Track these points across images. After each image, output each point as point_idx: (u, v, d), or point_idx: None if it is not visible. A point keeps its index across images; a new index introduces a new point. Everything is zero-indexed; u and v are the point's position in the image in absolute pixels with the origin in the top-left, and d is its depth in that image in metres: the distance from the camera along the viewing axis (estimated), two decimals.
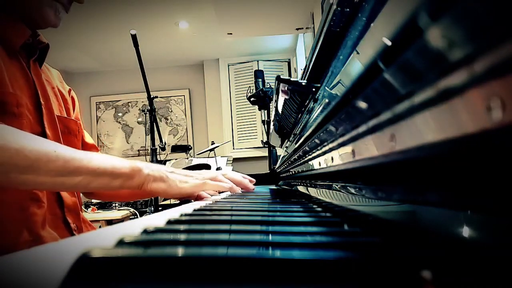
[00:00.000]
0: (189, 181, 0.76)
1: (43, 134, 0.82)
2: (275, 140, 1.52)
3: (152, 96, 2.41)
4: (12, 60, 0.78)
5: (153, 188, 0.71)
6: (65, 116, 0.93)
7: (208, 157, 2.99)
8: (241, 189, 0.98)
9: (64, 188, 0.72)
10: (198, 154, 3.18)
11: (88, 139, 1.07)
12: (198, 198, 0.86)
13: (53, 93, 0.90)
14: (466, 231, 0.18)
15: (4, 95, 0.72)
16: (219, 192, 0.91)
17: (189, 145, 3.45)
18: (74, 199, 0.91)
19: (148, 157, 2.70)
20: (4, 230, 0.73)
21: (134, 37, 2.08)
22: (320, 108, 0.47)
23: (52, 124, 0.85)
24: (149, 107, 2.45)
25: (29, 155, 0.58)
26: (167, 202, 3.21)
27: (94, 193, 1.03)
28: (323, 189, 0.55)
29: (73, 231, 0.86)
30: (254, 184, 1.03)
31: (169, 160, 3.21)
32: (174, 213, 0.48)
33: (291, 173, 1.04)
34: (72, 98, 1.03)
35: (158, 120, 3.18)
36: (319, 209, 0.51)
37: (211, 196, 0.90)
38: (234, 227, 0.34)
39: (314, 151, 0.54)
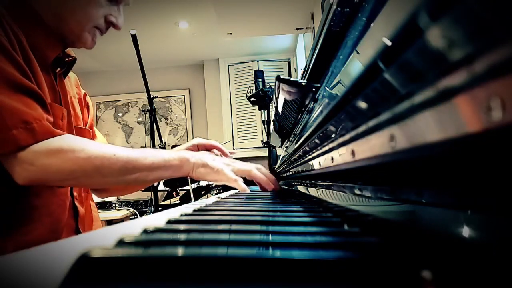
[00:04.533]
0: (224, 170, 0.83)
1: None
2: (275, 140, 1.52)
3: (152, 96, 2.41)
4: (43, 73, 0.80)
5: (197, 173, 0.80)
6: (81, 126, 0.96)
7: None
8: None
9: (126, 183, 0.80)
10: None
11: (97, 132, 1.10)
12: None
13: (70, 103, 0.92)
14: (466, 231, 0.18)
15: (54, 108, 0.76)
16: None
17: None
18: (84, 210, 0.93)
19: None
20: (34, 234, 0.75)
21: (134, 37, 2.08)
22: (320, 108, 0.47)
23: None
24: (149, 107, 2.45)
25: (95, 161, 0.69)
26: (167, 202, 3.21)
27: (107, 191, 1.08)
28: (323, 189, 0.55)
29: None
30: (254, 184, 1.03)
31: None
32: (174, 213, 0.48)
33: (291, 173, 1.04)
34: (87, 104, 1.05)
35: (158, 120, 3.18)
36: (319, 209, 0.51)
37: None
38: (234, 227, 0.34)
39: (314, 151, 0.54)
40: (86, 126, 1.00)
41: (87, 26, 0.82)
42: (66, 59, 0.89)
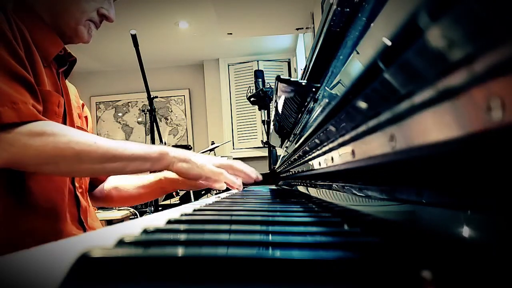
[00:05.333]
0: (208, 165, 0.84)
1: None
2: (275, 140, 1.52)
3: (152, 96, 2.41)
4: (46, 69, 0.83)
5: (178, 168, 0.81)
6: (80, 126, 0.98)
7: None
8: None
9: (104, 172, 0.82)
10: None
11: None
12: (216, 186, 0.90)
13: (72, 103, 0.94)
14: (466, 231, 0.18)
15: (50, 94, 0.79)
16: None
17: (189, 145, 3.45)
18: (86, 203, 0.93)
19: None
20: (32, 220, 0.76)
21: (134, 37, 2.08)
22: (320, 108, 0.47)
23: None
24: (149, 107, 2.45)
25: (75, 147, 0.69)
26: (167, 202, 3.21)
27: (108, 200, 1.09)
28: (323, 189, 0.55)
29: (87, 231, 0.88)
30: (254, 184, 1.04)
31: None
32: (174, 213, 0.48)
33: (291, 173, 1.04)
34: (86, 116, 1.07)
35: (158, 120, 3.18)
36: (319, 209, 0.51)
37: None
38: (234, 227, 0.34)
39: (314, 151, 0.54)
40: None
41: (81, 19, 0.86)
42: (69, 59, 0.91)
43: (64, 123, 0.86)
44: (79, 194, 0.90)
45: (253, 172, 0.96)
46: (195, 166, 0.82)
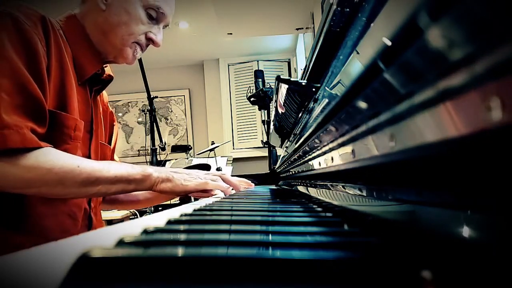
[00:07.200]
0: (192, 180, 0.85)
1: (88, 157, 0.88)
2: (275, 140, 1.52)
3: (152, 96, 2.41)
4: (79, 86, 0.84)
5: (161, 188, 0.82)
6: (105, 143, 0.99)
7: (208, 157, 2.99)
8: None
9: (87, 195, 0.81)
10: (198, 154, 3.18)
11: (116, 157, 1.13)
12: (205, 194, 0.91)
13: (100, 118, 0.96)
14: (466, 231, 0.18)
15: (67, 118, 0.79)
16: None
17: (189, 145, 3.44)
18: (98, 220, 0.95)
19: (148, 157, 2.70)
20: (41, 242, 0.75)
21: None
22: (320, 108, 0.47)
23: (95, 149, 0.92)
24: (149, 107, 2.45)
25: (58, 172, 0.69)
26: (167, 202, 3.20)
27: (117, 203, 1.10)
28: (323, 189, 0.55)
29: None
30: (254, 184, 1.04)
31: (169, 160, 3.21)
32: (174, 213, 0.48)
33: (291, 173, 1.04)
34: (112, 124, 1.08)
35: (158, 120, 3.18)
36: (319, 209, 0.51)
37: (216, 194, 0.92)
38: (234, 227, 0.34)
39: (314, 151, 0.54)
40: (110, 145, 1.03)
41: (129, 41, 0.87)
42: (103, 76, 0.93)
43: (89, 143, 0.88)
44: (92, 215, 0.90)
45: (228, 188, 0.96)
46: (179, 184, 0.83)
